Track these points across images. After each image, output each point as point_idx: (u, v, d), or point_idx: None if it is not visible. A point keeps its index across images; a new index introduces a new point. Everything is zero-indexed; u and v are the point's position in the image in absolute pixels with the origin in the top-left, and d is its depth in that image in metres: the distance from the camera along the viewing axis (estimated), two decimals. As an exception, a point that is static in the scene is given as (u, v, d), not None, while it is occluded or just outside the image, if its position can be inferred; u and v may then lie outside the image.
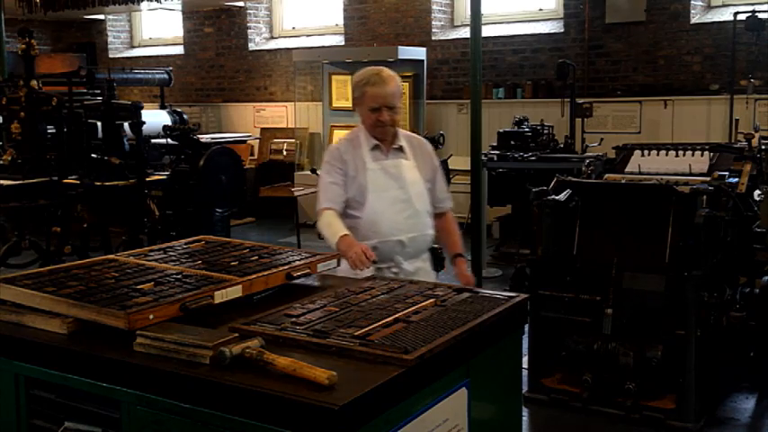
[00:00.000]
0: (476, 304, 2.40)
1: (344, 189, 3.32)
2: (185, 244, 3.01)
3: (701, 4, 8.60)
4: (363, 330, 2.09)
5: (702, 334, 4.03)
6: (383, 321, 2.18)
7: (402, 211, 3.32)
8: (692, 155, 4.91)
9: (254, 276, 2.48)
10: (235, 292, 2.38)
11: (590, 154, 6.44)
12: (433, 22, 10.11)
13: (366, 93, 3.26)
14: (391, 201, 3.31)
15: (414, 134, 3.63)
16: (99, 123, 6.95)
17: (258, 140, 11.16)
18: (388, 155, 3.37)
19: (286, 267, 2.63)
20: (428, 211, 3.40)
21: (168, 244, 3.03)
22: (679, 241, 4.11)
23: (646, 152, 5.07)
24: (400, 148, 3.40)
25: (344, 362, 1.92)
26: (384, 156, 3.37)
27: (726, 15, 8.25)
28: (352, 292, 2.51)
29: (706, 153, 4.91)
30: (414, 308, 2.32)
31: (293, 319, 2.21)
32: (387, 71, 3.29)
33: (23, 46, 6.86)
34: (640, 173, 4.86)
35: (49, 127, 6.93)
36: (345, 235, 3.15)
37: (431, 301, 2.41)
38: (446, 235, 3.49)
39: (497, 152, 7.49)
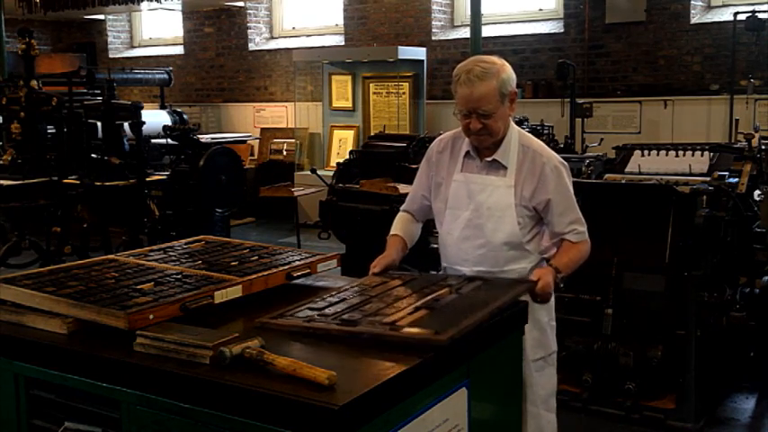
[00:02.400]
0: (491, 290, 2.44)
1: (426, 193, 2.91)
2: (185, 244, 3.01)
3: (700, 4, 8.60)
4: (391, 318, 2.13)
5: (702, 334, 4.03)
6: (407, 309, 2.22)
7: (471, 238, 2.75)
8: (692, 155, 4.91)
9: (254, 276, 2.49)
10: (235, 292, 2.38)
11: (590, 154, 6.41)
12: (433, 22, 10.11)
13: (456, 93, 2.66)
14: (463, 223, 2.76)
15: (538, 146, 2.82)
16: (99, 123, 6.97)
17: (258, 140, 11.16)
18: (479, 166, 2.79)
19: (286, 267, 2.63)
20: (514, 245, 2.74)
21: (168, 244, 3.03)
22: (679, 241, 4.10)
23: (646, 152, 5.06)
24: (495, 162, 2.75)
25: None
26: (475, 166, 2.79)
27: (726, 15, 8.25)
28: (368, 285, 2.54)
29: (706, 153, 4.90)
30: (432, 296, 2.36)
31: (319, 312, 2.23)
32: (483, 64, 2.62)
33: (23, 46, 6.87)
34: (640, 173, 4.85)
35: (49, 127, 6.94)
36: (393, 235, 2.87)
37: (446, 289, 2.44)
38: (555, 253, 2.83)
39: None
